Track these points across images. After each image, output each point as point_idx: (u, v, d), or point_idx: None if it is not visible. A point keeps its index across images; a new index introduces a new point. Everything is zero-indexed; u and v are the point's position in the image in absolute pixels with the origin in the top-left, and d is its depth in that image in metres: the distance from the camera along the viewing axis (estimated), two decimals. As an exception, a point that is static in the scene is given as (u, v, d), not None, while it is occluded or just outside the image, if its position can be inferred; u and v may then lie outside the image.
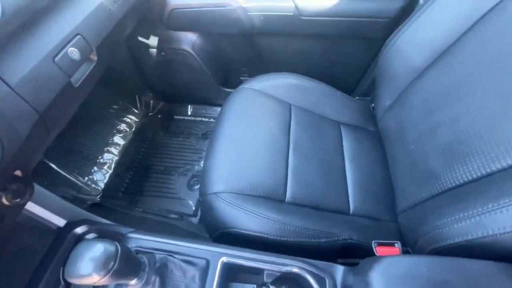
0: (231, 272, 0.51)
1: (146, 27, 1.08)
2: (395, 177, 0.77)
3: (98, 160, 1.18)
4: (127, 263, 0.39)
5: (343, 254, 0.65)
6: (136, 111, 1.39)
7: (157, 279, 0.46)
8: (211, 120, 1.37)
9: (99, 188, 1.13)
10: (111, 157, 1.22)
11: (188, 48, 1.12)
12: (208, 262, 0.50)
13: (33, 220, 0.64)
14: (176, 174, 1.18)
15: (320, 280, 0.49)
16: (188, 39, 1.12)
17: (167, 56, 1.16)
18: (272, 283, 0.51)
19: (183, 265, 0.49)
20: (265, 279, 0.52)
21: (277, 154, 0.78)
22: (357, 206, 0.75)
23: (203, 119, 1.37)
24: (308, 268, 0.50)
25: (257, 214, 0.63)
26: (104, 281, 0.37)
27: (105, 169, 1.18)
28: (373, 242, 0.59)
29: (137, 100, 1.39)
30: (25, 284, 0.57)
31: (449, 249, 0.45)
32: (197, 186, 1.14)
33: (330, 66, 1.17)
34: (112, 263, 0.37)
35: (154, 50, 1.13)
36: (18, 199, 0.49)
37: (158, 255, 0.49)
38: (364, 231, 0.68)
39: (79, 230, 0.63)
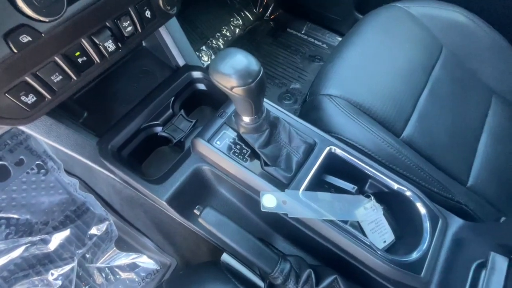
0: (333, 165, 0.46)
1: None
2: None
3: (207, 41, 1.21)
4: (258, 90, 0.36)
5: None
6: (254, 10, 1.33)
7: (266, 132, 0.44)
8: (324, 45, 1.24)
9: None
10: (219, 44, 1.23)
11: None
12: (315, 143, 0.46)
13: (159, 51, 0.67)
14: (271, 83, 1.15)
15: (432, 218, 0.42)
16: None
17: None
18: (373, 194, 0.45)
19: (293, 132, 0.46)
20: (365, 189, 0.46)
21: (409, 87, 0.66)
22: (478, 182, 0.61)
23: (315, 41, 1.25)
24: (424, 199, 0.42)
25: (372, 131, 0.55)
26: (235, 90, 0.35)
27: (210, 52, 1.20)
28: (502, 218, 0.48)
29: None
30: (139, 100, 0.62)
31: None
32: (288, 101, 1.10)
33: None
34: (251, 80, 0.35)
35: None
36: (169, 7, 0.49)
37: (272, 114, 0.46)
38: (481, 209, 0.56)
39: (195, 74, 0.64)
